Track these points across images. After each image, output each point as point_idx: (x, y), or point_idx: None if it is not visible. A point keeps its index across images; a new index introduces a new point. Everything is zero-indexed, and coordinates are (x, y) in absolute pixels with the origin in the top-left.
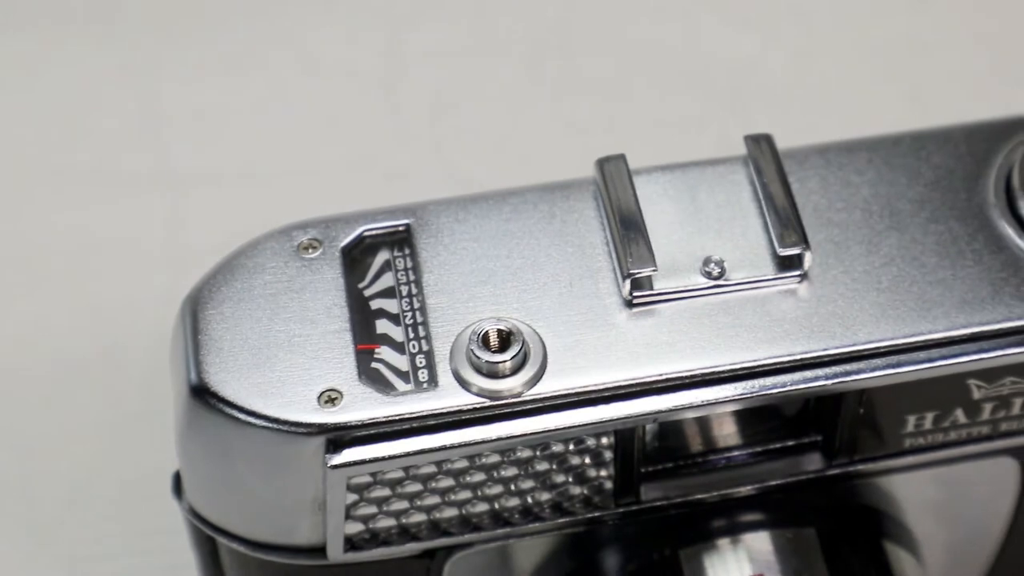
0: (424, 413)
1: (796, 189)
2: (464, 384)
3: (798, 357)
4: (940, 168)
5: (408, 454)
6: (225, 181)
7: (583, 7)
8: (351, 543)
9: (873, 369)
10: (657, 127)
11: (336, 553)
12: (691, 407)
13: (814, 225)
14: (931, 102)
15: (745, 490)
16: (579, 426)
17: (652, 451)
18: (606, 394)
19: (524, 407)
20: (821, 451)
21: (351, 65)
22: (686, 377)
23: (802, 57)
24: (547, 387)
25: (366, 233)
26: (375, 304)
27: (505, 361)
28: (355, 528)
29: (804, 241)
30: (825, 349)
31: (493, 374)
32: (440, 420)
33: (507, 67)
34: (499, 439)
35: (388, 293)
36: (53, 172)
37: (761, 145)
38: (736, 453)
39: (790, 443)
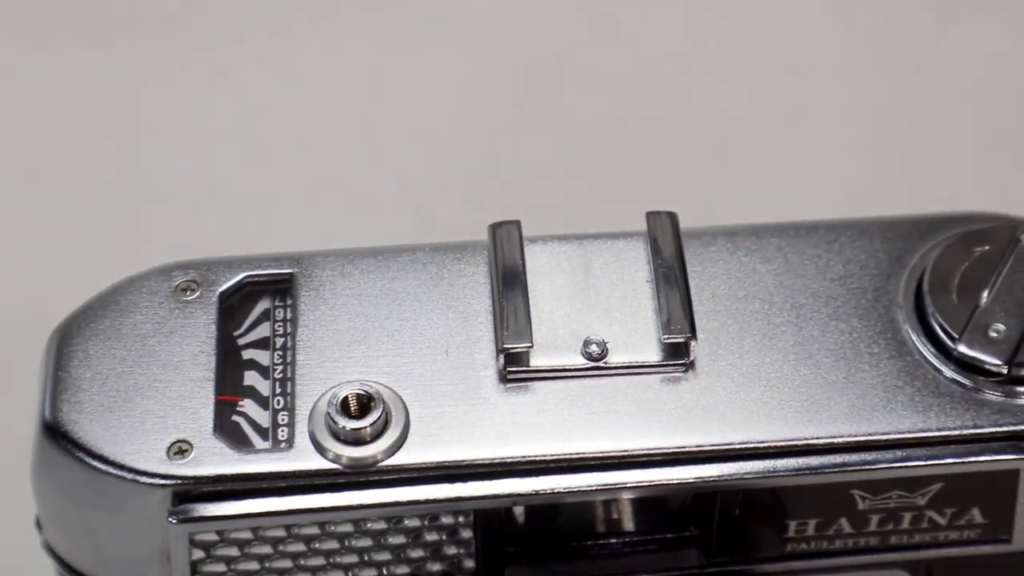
0: (274, 474)
1: (697, 272)
2: (319, 448)
3: (669, 451)
4: (851, 263)
5: (253, 515)
6: (192, 196)
7: (576, 48)
8: None
9: (747, 471)
10: (633, 179)
11: None
12: (552, 493)
13: (709, 312)
14: (914, 181)
15: None
16: (433, 501)
17: (521, 532)
18: (465, 471)
19: (378, 477)
20: (698, 547)
21: (330, 89)
22: (550, 461)
23: (789, 121)
24: (404, 458)
25: (248, 279)
26: (247, 354)
27: (362, 428)
28: None
29: (691, 330)
30: (699, 445)
31: (349, 440)
32: (290, 483)
33: (490, 103)
34: (349, 508)
35: (262, 344)
36: (16, 172)
37: (662, 223)
38: (612, 541)
39: (668, 536)
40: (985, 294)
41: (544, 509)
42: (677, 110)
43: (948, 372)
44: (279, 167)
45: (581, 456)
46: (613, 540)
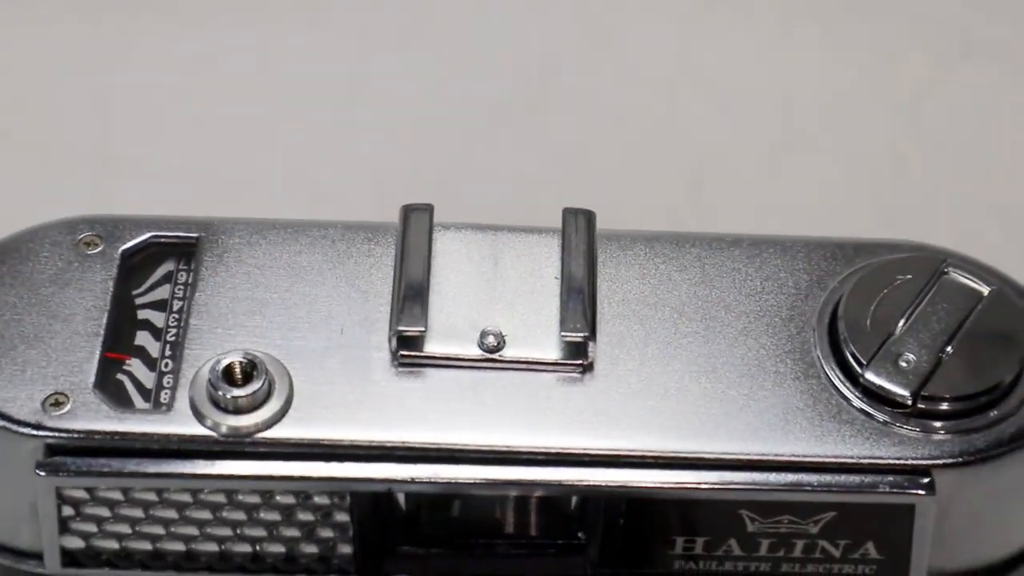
0: (148, 435)
1: (610, 275)
2: (198, 414)
3: (554, 451)
4: (770, 280)
5: (122, 474)
6: (159, 172)
7: (565, 61)
8: (72, 558)
9: (631, 480)
10: (613, 191)
11: (54, 565)
12: (429, 482)
13: (617, 316)
14: (888, 220)
15: None
16: (306, 479)
17: (405, 525)
18: (342, 452)
19: (253, 448)
20: (585, 555)
21: (308, 79)
22: (431, 450)
23: (771, 153)
24: (282, 432)
25: (153, 240)
26: (143, 314)
27: (242, 397)
28: (75, 543)
29: (589, 330)
30: (585, 449)
31: (228, 408)
32: (164, 446)
33: (472, 106)
34: (220, 477)
35: (160, 306)
36: None
37: (578, 221)
38: (498, 542)
39: (556, 542)
40: (901, 323)
41: (431, 503)
42: (658, 132)
43: (853, 399)
44: (251, 150)
45: (463, 447)
46: (499, 541)
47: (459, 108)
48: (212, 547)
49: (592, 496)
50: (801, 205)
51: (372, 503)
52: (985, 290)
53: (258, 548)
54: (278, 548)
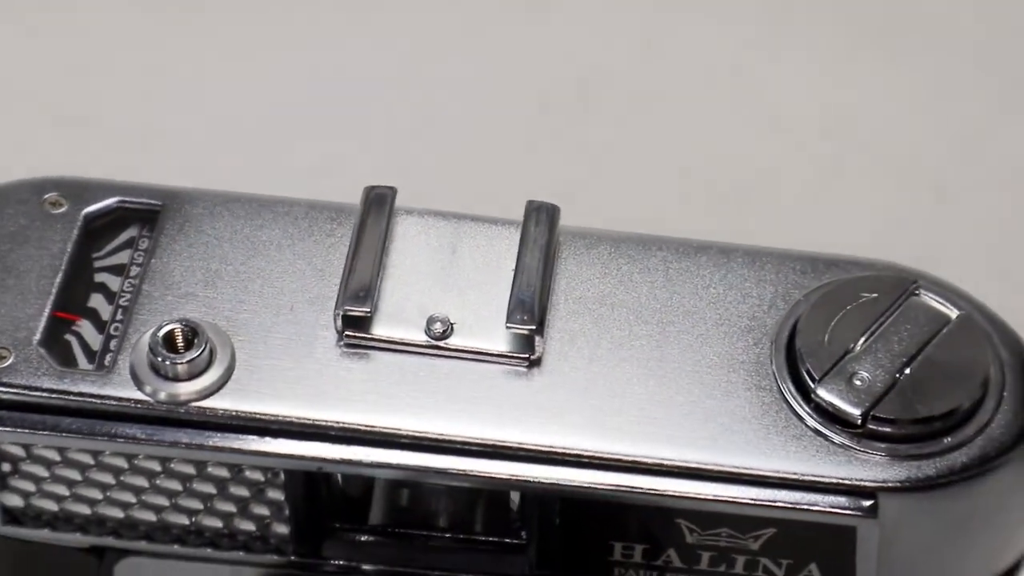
0: (84, 395)
1: (571, 272)
2: (137, 379)
3: (489, 442)
4: (734, 289)
5: (54, 433)
6: (135, 140)
7: (607, 67)
8: (12, 516)
9: (565, 478)
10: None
11: None
12: (360, 464)
13: (572, 313)
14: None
15: (443, 574)
16: (237, 451)
17: (347, 509)
18: (275, 427)
19: (188, 417)
20: (526, 556)
21: (292, 57)
22: (365, 432)
23: (809, 173)
24: (218, 403)
25: (119, 205)
26: (100, 277)
27: (180, 364)
28: (14, 501)
29: (536, 323)
30: (521, 443)
31: (167, 375)
32: (100, 408)
33: (495, 104)
34: (151, 442)
35: (117, 270)
36: None
37: (540, 215)
38: (440, 535)
39: (498, 540)
40: (861, 342)
41: (374, 489)
42: (691, 147)
43: (804, 415)
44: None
45: (396, 432)
46: (441, 534)
47: (486, 106)
48: (150, 516)
49: (524, 492)
50: (828, 229)
51: (307, 483)
52: (953, 314)
53: (195, 520)
54: (215, 522)
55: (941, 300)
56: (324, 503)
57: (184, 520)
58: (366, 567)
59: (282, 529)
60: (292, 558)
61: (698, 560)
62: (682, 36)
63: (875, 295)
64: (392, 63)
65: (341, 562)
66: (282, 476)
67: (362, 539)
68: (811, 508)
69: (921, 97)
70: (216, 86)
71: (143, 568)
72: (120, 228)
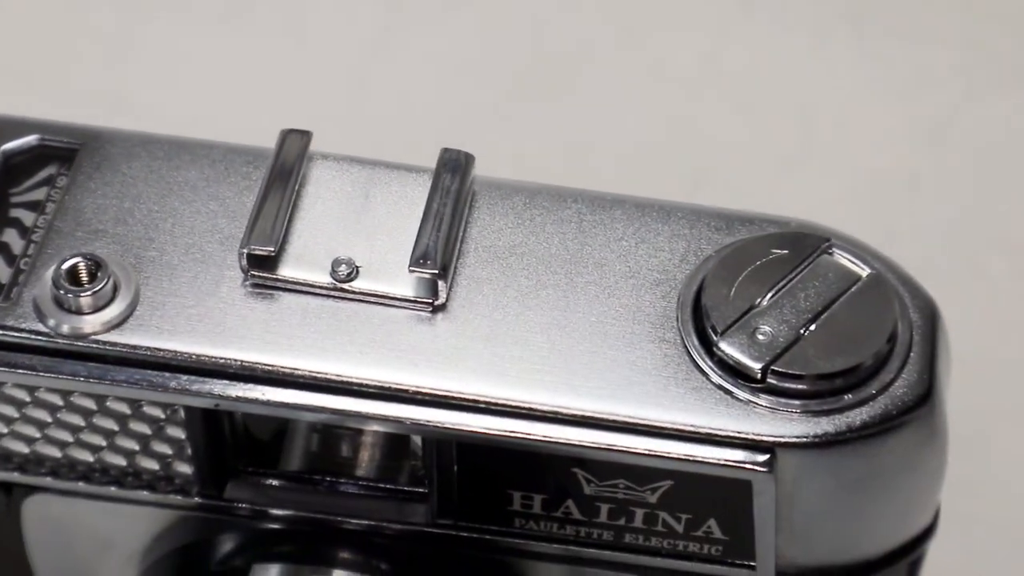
0: None
1: (483, 221)
2: (39, 311)
3: (384, 384)
4: (646, 243)
5: None
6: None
7: (587, 50)
8: None
9: (457, 422)
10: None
11: None
12: (255, 402)
13: (481, 261)
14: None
15: (346, 522)
16: (134, 385)
17: (254, 451)
18: (172, 363)
19: (88, 349)
20: (428, 505)
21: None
22: (261, 370)
23: (781, 158)
24: (117, 337)
25: (40, 142)
26: (15, 213)
27: (82, 297)
28: None
29: (439, 268)
30: (417, 386)
31: (68, 308)
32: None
33: (493, 77)
34: (47, 374)
35: (33, 207)
36: None
37: (455, 162)
38: (345, 481)
39: (402, 488)
40: (767, 297)
41: (282, 434)
42: (667, 128)
43: (706, 368)
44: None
45: (294, 371)
46: (347, 480)
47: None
48: (54, 452)
49: (421, 436)
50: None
51: (208, 421)
52: (864, 273)
53: (99, 457)
54: (119, 460)
55: (853, 259)
56: (229, 445)
57: (88, 457)
58: (270, 511)
59: (185, 469)
60: (196, 499)
61: (597, 513)
62: (656, 16)
63: (785, 252)
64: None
65: (245, 505)
66: (181, 413)
67: (267, 483)
68: (706, 461)
69: (894, 81)
70: (153, 29)
71: (52, 506)
72: (39, 166)
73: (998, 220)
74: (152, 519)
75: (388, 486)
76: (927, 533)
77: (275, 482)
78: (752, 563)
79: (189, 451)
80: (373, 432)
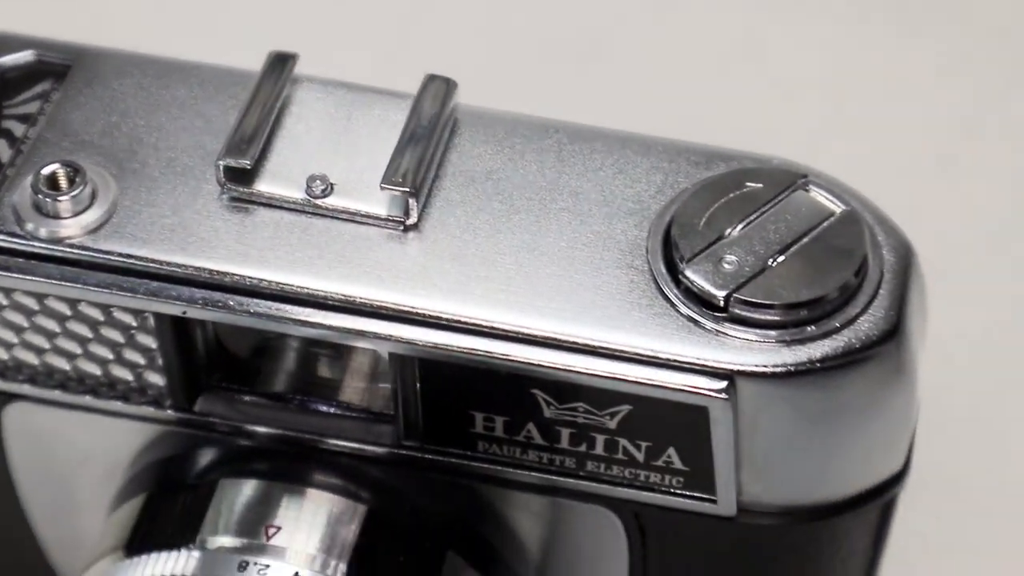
0: None
1: (462, 147)
2: (17, 215)
3: (348, 297)
4: (623, 174)
5: None
6: None
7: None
8: None
9: (416, 337)
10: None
11: None
12: (219, 308)
13: (456, 185)
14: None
15: (317, 441)
16: (103, 288)
17: (225, 367)
18: (144, 269)
19: (63, 255)
20: (393, 425)
21: None
22: (229, 280)
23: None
24: (91, 243)
25: (35, 58)
26: (6, 124)
27: (58, 201)
28: None
29: (412, 186)
30: (381, 300)
31: (45, 212)
32: None
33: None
34: (23, 277)
35: (25, 119)
36: None
37: (436, 87)
38: (316, 399)
39: (371, 409)
40: (738, 228)
41: (259, 351)
42: (698, 107)
43: (671, 295)
44: None
45: (260, 281)
46: (318, 400)
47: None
48: (31, 358)
49: (382, 351)
50: None
51: (178, 330)
52: (838, 209)
53: (75, 365)
54: (93, 368)
55: (829, 196)
56: (201, 358)
57: (64, 364)
58: (242, 427)
59: (158, 380)
60: (169, 412)
61: (558, 438)
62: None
63: (760, 186)
64: None
65: (216, 419)
66: (151, 320)
67: (239, 399)
68: (663, 385)
69: (931, 68)
70: None
71: (31, 415)
72: (34, 81)
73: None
74: (128, 432)
75: (358, 407)
76: (897, 478)
77: (247, 398)
78: (713, 497)
79: (160, 361)
80: (346, 353)
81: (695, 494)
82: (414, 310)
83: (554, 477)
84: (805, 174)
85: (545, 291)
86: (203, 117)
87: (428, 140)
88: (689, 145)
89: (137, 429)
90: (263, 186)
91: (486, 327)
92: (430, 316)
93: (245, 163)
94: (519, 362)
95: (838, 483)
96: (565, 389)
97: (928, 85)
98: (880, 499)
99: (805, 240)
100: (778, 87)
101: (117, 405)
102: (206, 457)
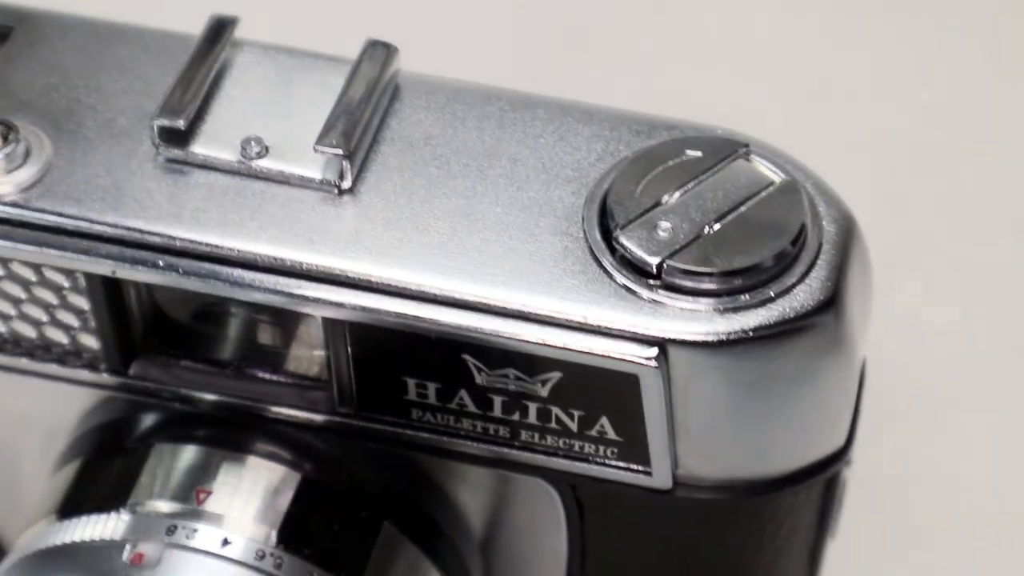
0: None
1: (402, 113)
2: None
3: (277, 258)
4: (564, 141)
5: None
6: None
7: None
8: None
9: (344, 300)
10: None
11: None
12: (151, 267)
13: (394, 151)
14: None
15: (253, 408)
16: (32, 244)
17: (161, 330)
18: (74, 228)
19: None
20: (327, 392)
21: None
22: (159, 240)
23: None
24: (22, 199)
25: None
26: None
27: None
28: None
29: (346, 148)
30: (311, 263)
31: None
32: None
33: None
34: None
35: None
36: None
37: (376, 52)
38: (253, 366)
39: (307, 376)
40: (676, 196)
41: (197, 316)
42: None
43: (604, 261)
44: None
45: (191, 242)
46: (255, 366)
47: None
48: None
49: (310, 313)
50: None
51: (110, 291)
52: (778, 179)
53: (10, 327)
54: (28, 330)
55: (770, 165)
56: (136, 322)
57: (0, 327)
58: (177, 391)
59: (93, 344)
60: (104, 375)
61: (491, 405)
62: None
63: (699, 154)
64: None
65: (151, 384)
66: (83, 281)
67: (174, 363)
68: (592, 352)
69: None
70: None
71: None
72: None
73: (1006, 201)
74: (67, 396)
75: (295, 374)
76: (839, 455)
77: (184, 364)
78: (648, 468)
79: (94, 323)
80: (285, 320)
81: (630, 465)
82: (344, 273)
83: (489, 446)
84: (747, 143)
85: (477, 256)
86: (143, 80)
87: (365, 104)
88: (632, 114)
89: (76, 394)
90: (198, 148)
91: (415, 291)
92: (360, 279)
93: (179, 124)
94: (448, 326)
95: (777, 458)
96: (495, 355)
97: (911, 80)
98: (821, 476)
99: (742, 209)
100: (763, 80)
101: (53, 368)
102: (144, 422)
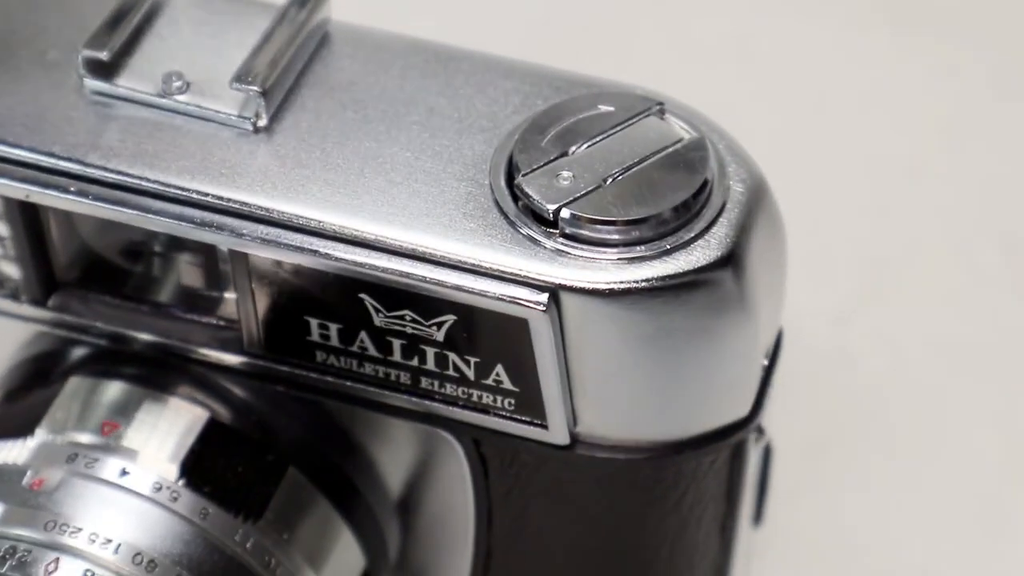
0: None
1: (327, 59)
2: None
3: (182, 188)
4: (483, 94)
5: None
6: None
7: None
8: None
9: (245, 231)
10: None
11: None
12: (61, 192)
13: (315, 95)
14: None
15: (168, 345)
16: None
17: (83, 263)
18: None
19: None
20: (238, 332)
21: None
22: (74, 167)
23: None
24: None
25: None
26: None
27: None
28: None
29: (261, 86)
30: (217, 195)
31: None
32: None
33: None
34: None
35: None
36: None
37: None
38: (169, 305)
39: (219, 315)
40: (583, 148)
41: (122, 251)
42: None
43: (504, 207)
44: None
45: (103, 170)
46: (171, 305)
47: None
48: None
49: (207, 243)
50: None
51: (27, 219)
52: (688, 136)
53: None
54: None
55: (682, 123)
56: (57, 254)
57: None
58: (94, 325)
59: (11, 270)
60: (24, 306)
61: (390, 349)
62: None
63: (611, 109)
64: None
65: (69, 317)
66: (1, 206)
67: (93, 297)
68: (483, 293)
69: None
70: None
71: None
72: None
73: (998, 217)
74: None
75: (210, 314)
76: (743, 423)
77: (104, 299)
78: (542, 421)
79: (14, 251)
80: (204, 261)
81: (527, 418)
82: (247, 205)
83: (391, 393)
84: (662, 102)
85: (380, 196)
86: (81, 16)
87: (288, 46)
88: (556, 71)
89: (5, 326)
90: (122, 80)
91: (315, 227)
92: (262, 213)
93: (103, 55)
94: (345, 262)
95: (677, 420)
96: (392, 295)
97: (910, 90)
98: (723, 442)
99: (648, 162)
100: (760, 93)
101: None
102: (67, 357)
